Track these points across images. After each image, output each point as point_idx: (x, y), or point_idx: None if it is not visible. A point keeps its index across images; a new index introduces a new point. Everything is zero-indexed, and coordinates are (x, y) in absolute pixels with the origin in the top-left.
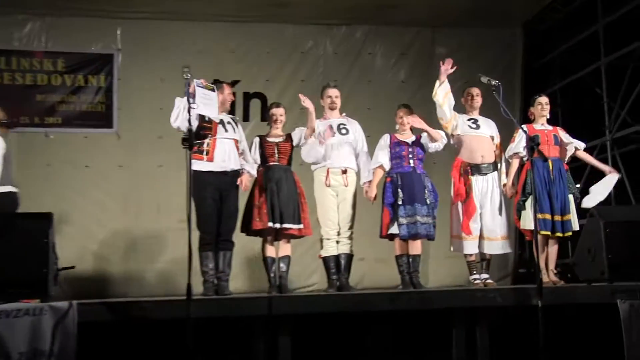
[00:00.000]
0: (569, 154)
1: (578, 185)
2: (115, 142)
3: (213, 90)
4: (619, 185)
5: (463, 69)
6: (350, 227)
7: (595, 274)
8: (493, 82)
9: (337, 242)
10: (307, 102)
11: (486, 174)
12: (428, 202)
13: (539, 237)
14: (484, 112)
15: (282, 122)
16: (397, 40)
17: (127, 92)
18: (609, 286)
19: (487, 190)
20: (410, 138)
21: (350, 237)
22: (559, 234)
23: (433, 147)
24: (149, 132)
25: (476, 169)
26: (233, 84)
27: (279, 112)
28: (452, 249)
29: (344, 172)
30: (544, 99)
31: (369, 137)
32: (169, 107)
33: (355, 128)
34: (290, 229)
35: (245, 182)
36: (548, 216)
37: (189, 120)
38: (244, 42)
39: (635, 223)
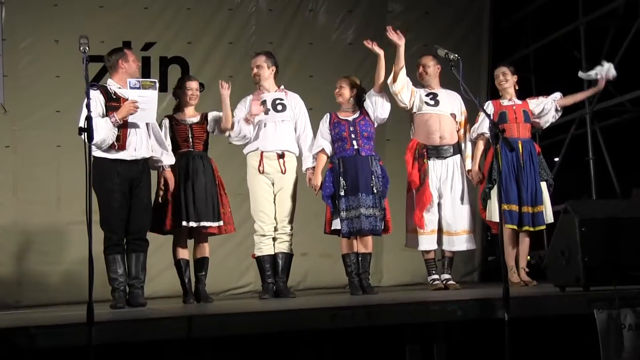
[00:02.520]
0: (548, 119)
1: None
2: (1, 117)
3: (153, 86)
4: (599, 164)
5: (420, 29)
6: (290, 222)
7: (569, 279)
8: (451, 56)
9: (274, 239)
10: (224, 90)
11: (446, 157)
12: (375, 191)
13: (507, 231)
14: (446, 87)
15: (197, 99)
16: None
17: (14, 56)
18: (584, 295)
19: (447, 177)
20: (352, 115)
21: (289, 234)
22: (528, 228)
23: (380, 110)
24: (43, 105)
25: (434, 151)
26: (147, 46)
27: (194, 87)
28: (406, 244)
29: (281, 156)
30: (500, 70)
31: (311, 109)
32: (67, 74)
33: (295, 104)
34: (208, 227)
35: (170, 179)
36: (515, 207)
37: (87, 105)
38: None
39: (614, 220)
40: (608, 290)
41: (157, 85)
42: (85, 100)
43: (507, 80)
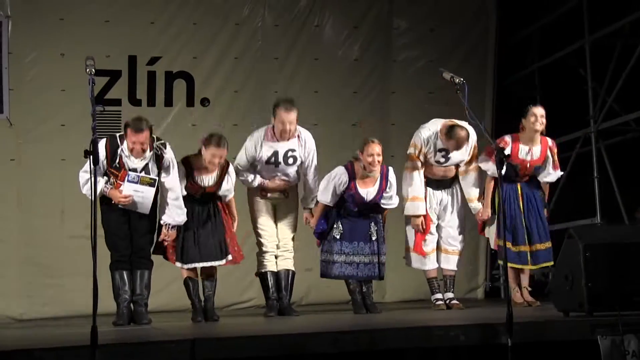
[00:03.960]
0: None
1: None
2: (6, 130)
3: (152, 184)
4: (605, 183)
5: (425, 46)
6: (292, 239)
7: (573, 304)
8: (457, 80)
9: (276, 256)
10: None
11: (445, 188)
12: (373, 239)
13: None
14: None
15: (216, 168)
16: (348, 10)
17: (20, 70)
18: (588, 321)
19: (447, 202)
20: (372, 187)
21: (291, 252)
22: (532, 267)
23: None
24: (48, 118)
25: (434, 183)
26: (152, 61)
27: (218, 156)
28: (406, 262)
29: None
30: (539, 111)
31: (315, 125)
32: (72, 88)
33: (306, 151)
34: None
35: (171, 236)
36: (525, 248)
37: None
38: (165, 10)
39: (619, 246)
40: (612, 316)
41: (156, 183)
42: (92, 123)
43: (542, 123)
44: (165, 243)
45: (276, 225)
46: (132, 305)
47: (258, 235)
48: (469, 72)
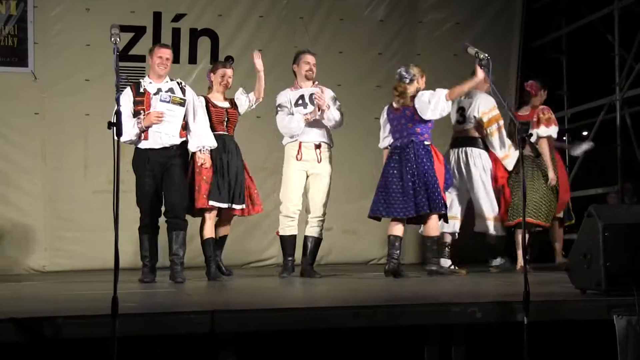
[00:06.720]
0: None
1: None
2: (31, 84)
3: (182, 103)
4: (626, 152)
5: (452, 8)
6: (324, 207)
7: (590, 283)
8: (481, 55)
9: (306, 222)
10: (258, 63)
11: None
12: None
13: None
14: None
15: (229, 86)
16: None
17: (45, 24)
18: (604, 300)
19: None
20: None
21: (321, 220)
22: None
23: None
24: (73, 73)
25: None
26: (177, 18)
27: (229, 74)
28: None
29: (318, 146)
30: None
31: (339, 86)
32: (97, 43)
33: (329, 99)
34: (238, 209)
35: (207, 161)
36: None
37: (117, 99)
38: None
39: (639, 227)
40: (629, 296)
41: (186, 102)
42: (116, 94)
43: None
44: (205, 166)
45: (308, 192)
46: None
47: (285, 199)
48: (495, 34)
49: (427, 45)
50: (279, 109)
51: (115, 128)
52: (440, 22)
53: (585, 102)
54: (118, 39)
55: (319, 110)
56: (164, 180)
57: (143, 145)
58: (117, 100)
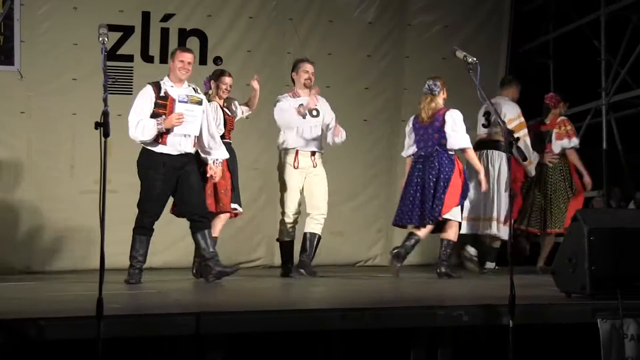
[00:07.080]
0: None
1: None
2: (17, 82)
3: (200, 102)
4: (613, 157)
5: (441, 11)
6: (325, 204)
7: (575, 286)
8: (469, 59)
9: (309, 218)
10: (256, 85)
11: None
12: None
13: None
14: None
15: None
16: None
17: (32, 22)
18: (589, 304)
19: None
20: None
21: (323, 216)
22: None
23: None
24: (60, 72)
25: None
26: (166, 18)
27: (230, 82)
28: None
29: (313, 154)
30: None
31: (328, 87)
32: (84, 41)
33: (325, 109)
34: (237, 211)
35: (217, 174)
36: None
37: (104, 100)
38: None
39: (624, 231)
40: (613, 299)
41: (204, 101)
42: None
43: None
44: (214, 180)
45: (308, 192)
46: (207, 263)
47: (282, 205)
48: (484, 37)
49: (416, 48)
50: (280, 109)
51: (102, 128)
52: (429, 25)
53: (572, 107)
54: (106, 39)
55: (306, 109)
56: (181, 184)
57: (159, 149)
58: (104, 101)
